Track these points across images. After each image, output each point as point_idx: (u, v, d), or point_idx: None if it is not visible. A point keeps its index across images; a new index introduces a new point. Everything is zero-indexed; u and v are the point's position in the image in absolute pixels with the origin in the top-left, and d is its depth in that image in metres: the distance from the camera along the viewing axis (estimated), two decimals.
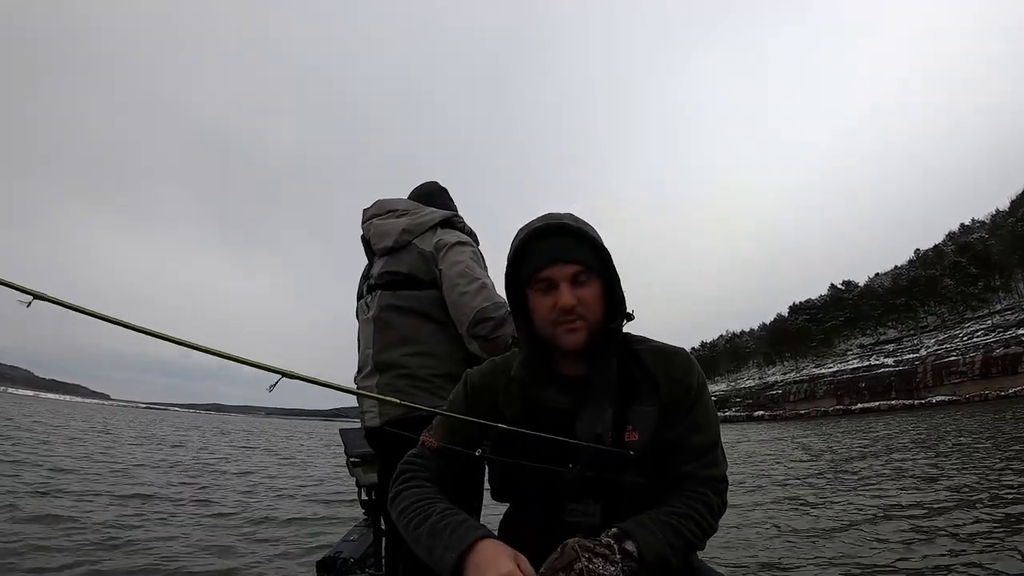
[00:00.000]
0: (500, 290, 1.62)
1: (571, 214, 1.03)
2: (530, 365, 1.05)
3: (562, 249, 0.97)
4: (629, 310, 1.04)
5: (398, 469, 1.09)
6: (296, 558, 4.14)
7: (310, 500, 7.43)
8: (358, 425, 1.94)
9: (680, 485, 0.98)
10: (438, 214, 1.85)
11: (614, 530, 0.89)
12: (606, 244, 1.03)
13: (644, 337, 1.10)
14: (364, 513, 2.27)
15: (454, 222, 1.87)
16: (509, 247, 1.03)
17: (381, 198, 1.96)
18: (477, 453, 1.05)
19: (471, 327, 1.64)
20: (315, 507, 6.85)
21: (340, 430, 1.99)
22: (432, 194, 2.00)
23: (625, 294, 1.04)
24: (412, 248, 1.78)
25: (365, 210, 1.94)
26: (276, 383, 0.84)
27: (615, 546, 0.85)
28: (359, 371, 1.82)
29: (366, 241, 1.91)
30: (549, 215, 1.02)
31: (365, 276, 1.91)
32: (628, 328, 1.07)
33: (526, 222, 1.04)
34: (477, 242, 1.90)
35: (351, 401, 2.06)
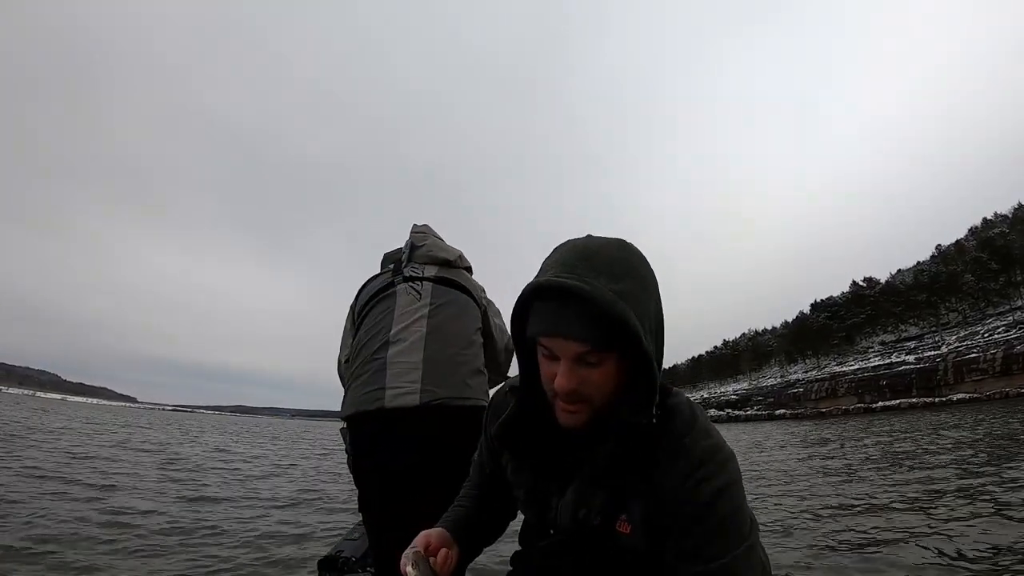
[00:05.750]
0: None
1: (612, 251, 0.80)
2: (510, 425, 0.94)
3: (570, 321, 0.76)
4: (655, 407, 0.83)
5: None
6: (297, 555, 3.99)
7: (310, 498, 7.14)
8: None
9: None
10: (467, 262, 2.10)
11: None
12: (647, 297, 0.80)
13: (678, 420, 0.85)
14: None
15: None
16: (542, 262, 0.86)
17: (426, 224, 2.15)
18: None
19: (495, 377, 1.92)
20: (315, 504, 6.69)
21: (341, 429, 1.86)
22: None
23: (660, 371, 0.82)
24: (463, 273, 2.00)
25: (419, 225, 2.12)
26: None
27: None
28: (384, 345, 1.74)
29: (412, 247, 2.03)
30: (577, 254, 0.80)
31: (398, 270, 1.98)
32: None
33: (552, 253, 0.84)
34: None
35: None
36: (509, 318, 0.88)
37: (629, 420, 0.82)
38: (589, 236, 0.85)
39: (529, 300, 0.82)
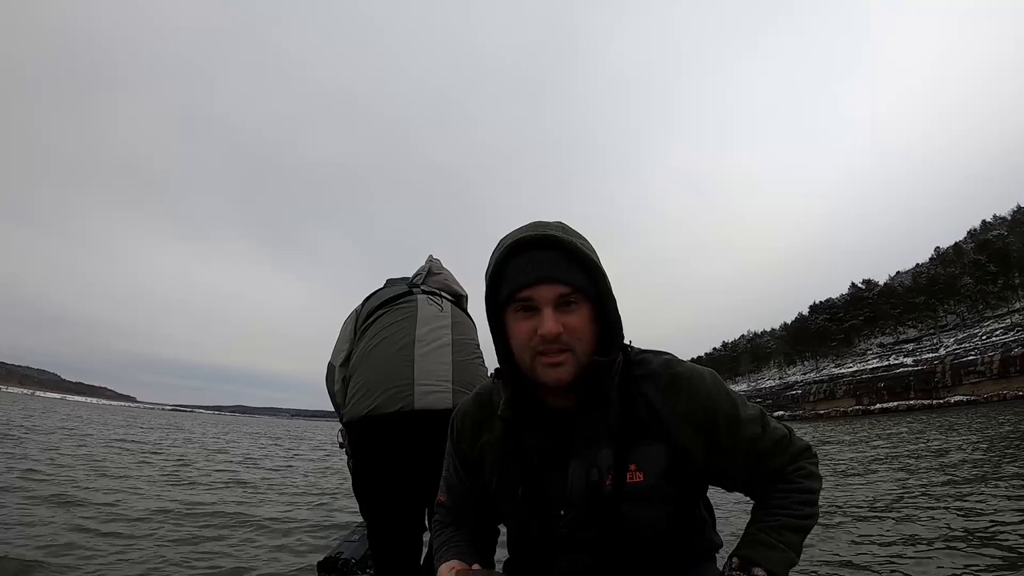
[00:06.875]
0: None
1: (560, 223, 0.88)
2: (515, 405, 0.92)
3: (546, 266, 0.82)
4: (627, 340, 0.92)
5: (434, 520, 1.15)
6: (297, 557, 3.95)
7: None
8: None
9: (774, 480, 0.93)
10: None
11: (735, 560, 0.84)
12: (600, 260, 0.88)
13: (646, 357, 0.95)
14: None
15: None
16: (489, 259, 0.88)
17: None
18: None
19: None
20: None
21: (340, 430, 1.86)
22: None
23: (622, 317, 0.89)
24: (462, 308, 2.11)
25: (434, 256, 2.22)
26: None
27: None
28: (410, 344, 1.76)
29: (430, 272, 2.14)
30: (535, 224, 0.87)
31: (414, 284, 2.06)
32: (633, 341, 0.97)
33: (510, 231, 0.89)
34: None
35: None
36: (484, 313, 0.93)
37: (599, 359, 0.86)
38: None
39: (502, 265, 0.86)
